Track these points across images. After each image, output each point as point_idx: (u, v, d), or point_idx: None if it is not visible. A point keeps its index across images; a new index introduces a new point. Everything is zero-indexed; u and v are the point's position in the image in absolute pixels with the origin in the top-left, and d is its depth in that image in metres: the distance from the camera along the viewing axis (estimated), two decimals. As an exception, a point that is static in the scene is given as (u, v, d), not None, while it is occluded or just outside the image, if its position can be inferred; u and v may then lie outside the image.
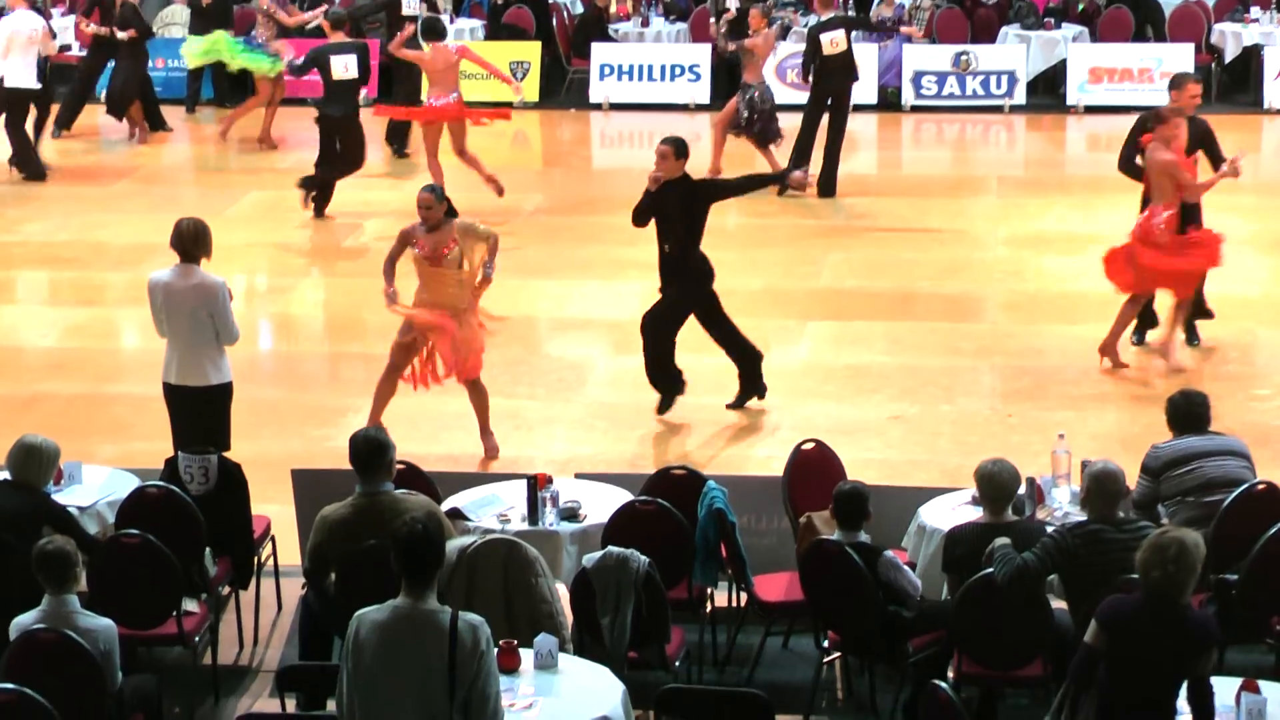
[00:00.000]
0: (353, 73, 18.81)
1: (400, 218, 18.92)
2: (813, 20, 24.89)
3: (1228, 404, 12.60)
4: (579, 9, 27.03)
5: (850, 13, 24.65)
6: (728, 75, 24.77)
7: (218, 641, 9.80)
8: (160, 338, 11.25)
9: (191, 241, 11.07)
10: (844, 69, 19.47)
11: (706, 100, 24.49)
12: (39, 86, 20.63)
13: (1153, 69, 23.92)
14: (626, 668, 8.63)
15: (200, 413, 11.09)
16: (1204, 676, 7.58)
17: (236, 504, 9.97)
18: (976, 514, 9.21)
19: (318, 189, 18.81)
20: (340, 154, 18.85)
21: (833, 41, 19.30)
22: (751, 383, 13.34)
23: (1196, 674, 7.57)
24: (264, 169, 21.51)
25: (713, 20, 20.25)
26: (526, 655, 8.06)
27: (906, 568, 9.15)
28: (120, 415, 13.41)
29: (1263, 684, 7.76)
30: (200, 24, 23.96)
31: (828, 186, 19.37)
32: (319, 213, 18.84)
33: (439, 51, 18.82)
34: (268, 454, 12.02)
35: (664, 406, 13.24)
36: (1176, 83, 14.16)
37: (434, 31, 19.04)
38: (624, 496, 9.88)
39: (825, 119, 19.40)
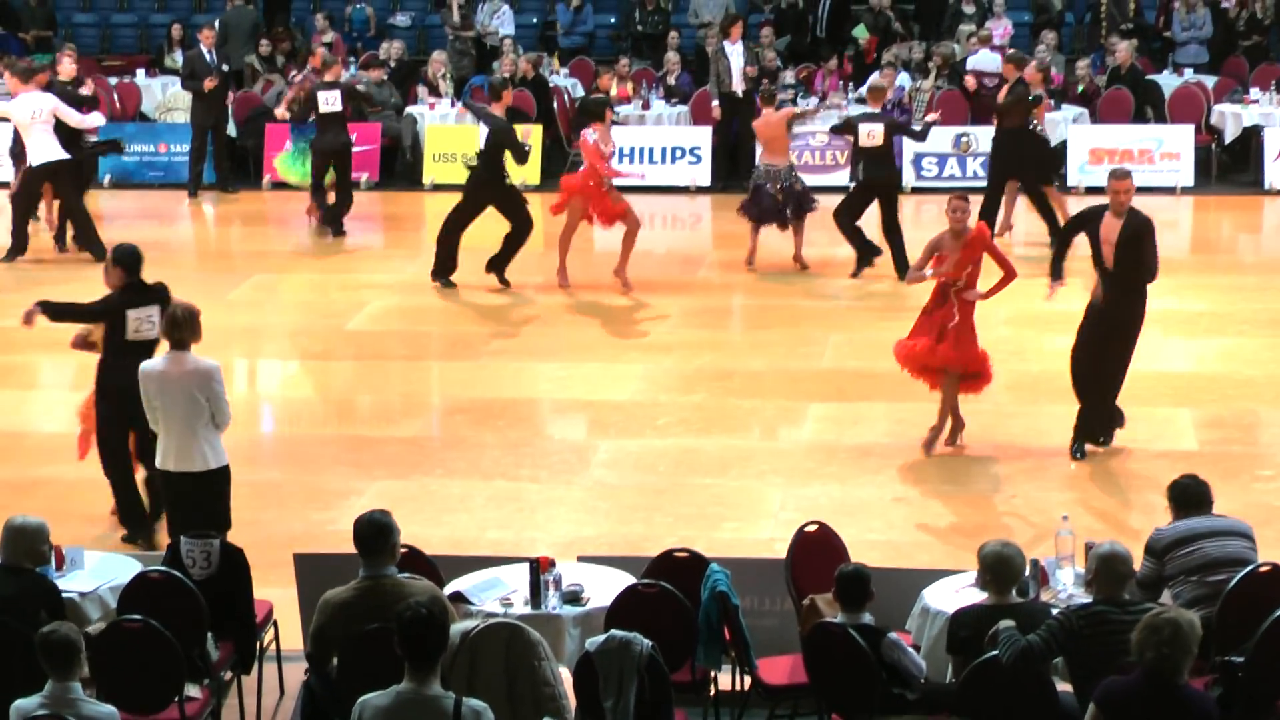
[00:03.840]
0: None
1: (404, 294, 19.03)
2: (813, 101, 25.11)
3: (1231, 485, 12.58)
4: (580, 92, 27.15)
5: (849, 99, 24.96)
6: (728, 158, 24.89)
7: (220, 726, 9.77)
8: (152, 428, 11.25)
9: (187, 328, 11.12)
10: (882, 160, 19.70)
11: (707, 182, 24.58)
12: (69, 156, 20.75)
13: (1153, 150, 24.01)
14: (630, 752, 8.59)
15: (200, 498, 11.09)
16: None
17: (238, 588, 9.94)
18: (981, 596, 9.18)
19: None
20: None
21: (869, 134, 19.47)
22: None
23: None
24: (267, 252, 21.55)
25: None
26: (529, 739, 8.04)
27: (910, 649, 9.12)
28: (123, 499, 13.37)
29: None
30: (202, 110, 24.16)
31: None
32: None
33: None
34: (270, 537, 12.00)
35: None
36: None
37: (586, 114, 19.38)
38: (627, 579, 9.85)
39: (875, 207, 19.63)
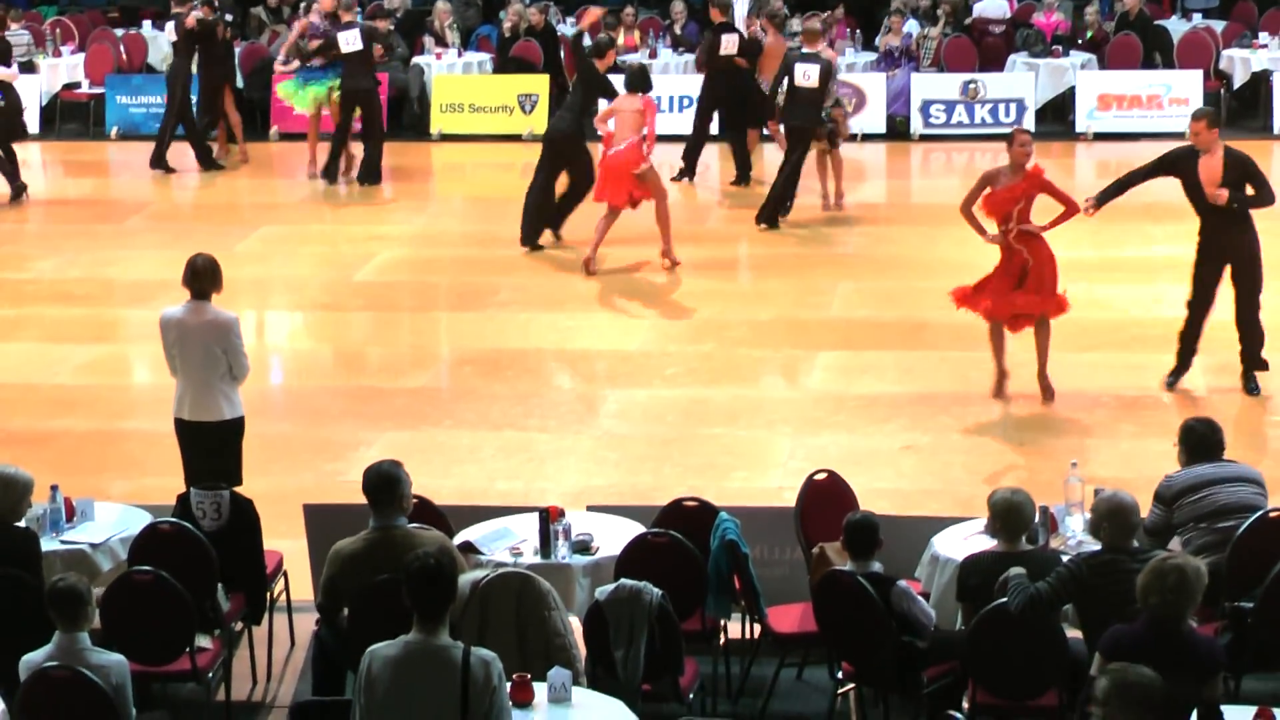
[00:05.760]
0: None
1: (413, 245, 19.02)
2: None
3: (1242, 429, 12.58)
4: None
5: (856, 47, 25.03)
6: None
7: (231, 677, 9.77)
8: (172, 376, 11.24)
9: (207, 278, 11.06)
10: (811, 105, 19.51)
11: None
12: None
13: (1161, 95, 23.92)
14: (640, 700, 8.61)
15: (214, 448, 11.08)
16: (1213, 703, 7.55)
17: (249, 539, 9.95)
18: (990, 543, 9.19)
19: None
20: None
21: (805, 74, 19.32)
22: None
23: (1204, 700, 7.54)
24: (275, 204, 21.53)
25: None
26: (540, 689, 8.04)
27: (920, 598, 9.12)
28: (132, 452, 13.41)
29: (1278, 712, 7.71)
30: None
31: (766, 217, 19.53)
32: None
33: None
34: (280, 489, 12.01)
35: None
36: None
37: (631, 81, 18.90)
38: (636, 529, 9.86)
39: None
